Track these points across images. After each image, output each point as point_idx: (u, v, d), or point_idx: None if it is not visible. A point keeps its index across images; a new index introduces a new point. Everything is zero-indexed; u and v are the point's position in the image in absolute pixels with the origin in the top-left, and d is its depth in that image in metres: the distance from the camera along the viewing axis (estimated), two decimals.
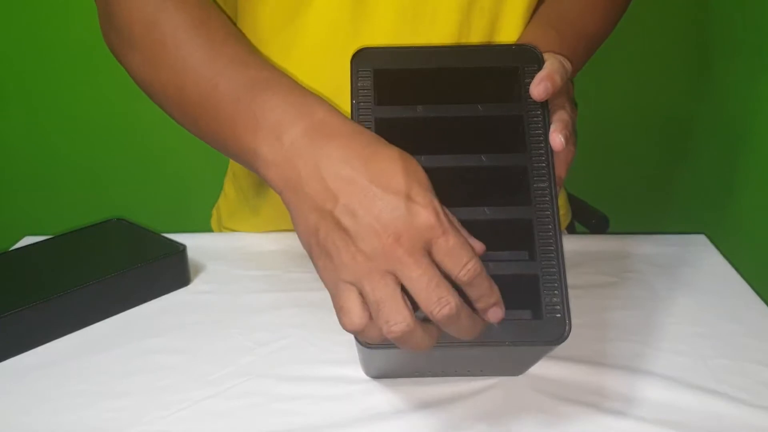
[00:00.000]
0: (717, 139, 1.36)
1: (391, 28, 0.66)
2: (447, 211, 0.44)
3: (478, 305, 0.45)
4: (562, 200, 0.90)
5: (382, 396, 0.54)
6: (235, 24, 0.61)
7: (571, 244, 0.78)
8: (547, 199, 0.48)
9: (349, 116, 0.49)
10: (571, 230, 0.97)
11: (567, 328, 0.46)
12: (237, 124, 0.50)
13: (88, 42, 1.36)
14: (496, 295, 0.45)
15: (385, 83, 0.51)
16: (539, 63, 0.51)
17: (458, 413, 0.52)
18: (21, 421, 0.52)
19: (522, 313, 0.48)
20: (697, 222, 1.41)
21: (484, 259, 0.46)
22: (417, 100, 0.50)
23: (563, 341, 0.45)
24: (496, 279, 0.47)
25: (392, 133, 0.47)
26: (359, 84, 0.51)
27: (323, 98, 0.50)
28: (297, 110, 0.48)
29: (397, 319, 0.42)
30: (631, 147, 1.47)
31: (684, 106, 1.42)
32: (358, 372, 0.56)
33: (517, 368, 0.55)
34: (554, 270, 0.47)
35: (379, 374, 0.55)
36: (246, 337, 0.61)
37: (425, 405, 0.53)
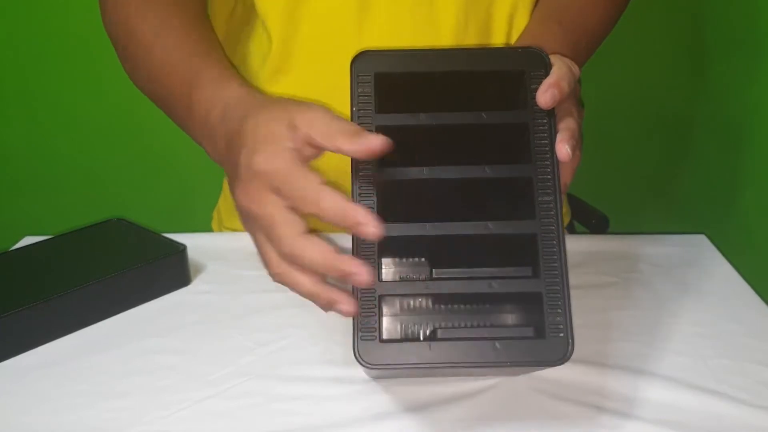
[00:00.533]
0: (717, 139, 1.36)
1: (390, 17, 0.68)
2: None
3: (347, 227, 0.43)
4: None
5: (382, 396, 0.54)
6: (205, 18, 0.66)
7: (572, 244, 0.78)
8: (552, 213, 0.47)
9: (349, 119, 0.49)
10: (571, 230, 0.97)
11: (570, 348, 0.45)
12: (186, 119, 0.57)
13: (88, 42, 1.36)
14: (354, 212, 0.42)
15: (386, 87, 0.50)
16: (546, 68, 0.50)
17: (458, 413, 0.52)
18: (21, 421, 0.52)
19: (524, 331, 0.47)
20: (697, 222, 1.41)
21: (487, 275, 0.46)
22: (419, 104, 0.50)
23: (565, 362, 0.45)
24: (500, 296, 0.46)
25: (394, 141, 0.47)
26: (359, 90, 0.50)
27: (244, 81, 0.54)
28: (216, 97, 0.53)
29: (278, 243, 0.44)
30: (631, 147, 1.47)
31: (684, 106, 1.42)
32: (358, 372, 0.56)
33: (518, 373, 0.55)
34: (558, 288, 0.46)
35: (380, 376, 0.55)
36: (246, 337, 0.61)
37: (425, 405, 0.52)
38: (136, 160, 1.49)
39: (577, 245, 0.76)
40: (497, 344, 0.45)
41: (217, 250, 0.76)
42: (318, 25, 0.68)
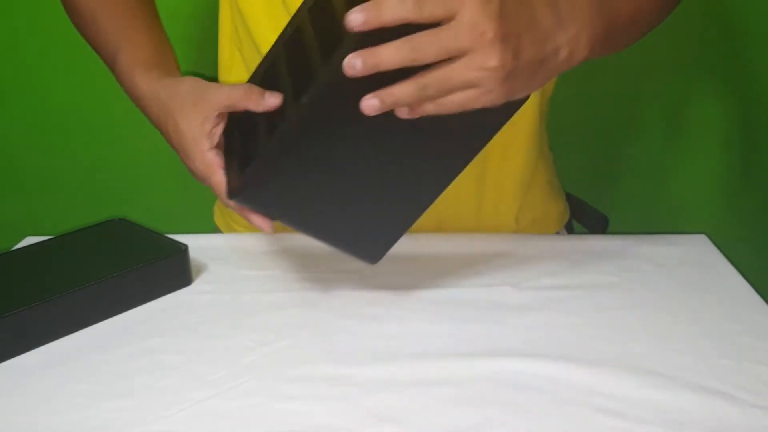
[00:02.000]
0: (717, 139, 1.36)
1: None
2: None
3: None
4: (559, 197, 0.90)
5: (382, 396, 0.54)
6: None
7: (572, 244, 0.78)
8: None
9: None
10: (571, 230, 0.97)
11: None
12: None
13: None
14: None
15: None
16: None
17: (460, 414, 0.52)
18: (21, 421, 0.52)
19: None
20: (697, 222, 1.41)
21: None
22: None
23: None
24: None
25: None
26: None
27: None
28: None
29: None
30: (632, 147, 1.47)
31: (684, 105, 1.42)
32: (359, 372, 0.56)
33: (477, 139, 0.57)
34: None
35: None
36: (246, 337, 0.61)
37: (425, 405, 0.53)
38: (138, 160, 1.49)
39: (577, 245, 0.77)
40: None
41: (219, 251, 0.76)
42: None
